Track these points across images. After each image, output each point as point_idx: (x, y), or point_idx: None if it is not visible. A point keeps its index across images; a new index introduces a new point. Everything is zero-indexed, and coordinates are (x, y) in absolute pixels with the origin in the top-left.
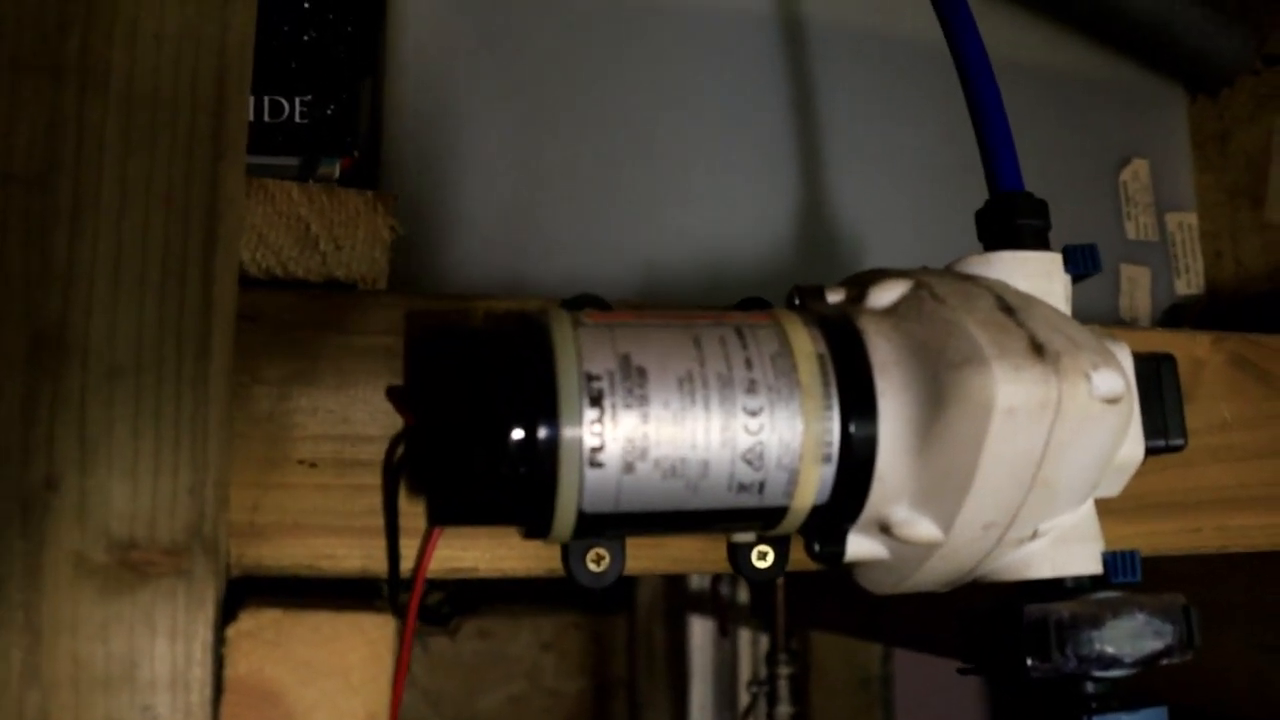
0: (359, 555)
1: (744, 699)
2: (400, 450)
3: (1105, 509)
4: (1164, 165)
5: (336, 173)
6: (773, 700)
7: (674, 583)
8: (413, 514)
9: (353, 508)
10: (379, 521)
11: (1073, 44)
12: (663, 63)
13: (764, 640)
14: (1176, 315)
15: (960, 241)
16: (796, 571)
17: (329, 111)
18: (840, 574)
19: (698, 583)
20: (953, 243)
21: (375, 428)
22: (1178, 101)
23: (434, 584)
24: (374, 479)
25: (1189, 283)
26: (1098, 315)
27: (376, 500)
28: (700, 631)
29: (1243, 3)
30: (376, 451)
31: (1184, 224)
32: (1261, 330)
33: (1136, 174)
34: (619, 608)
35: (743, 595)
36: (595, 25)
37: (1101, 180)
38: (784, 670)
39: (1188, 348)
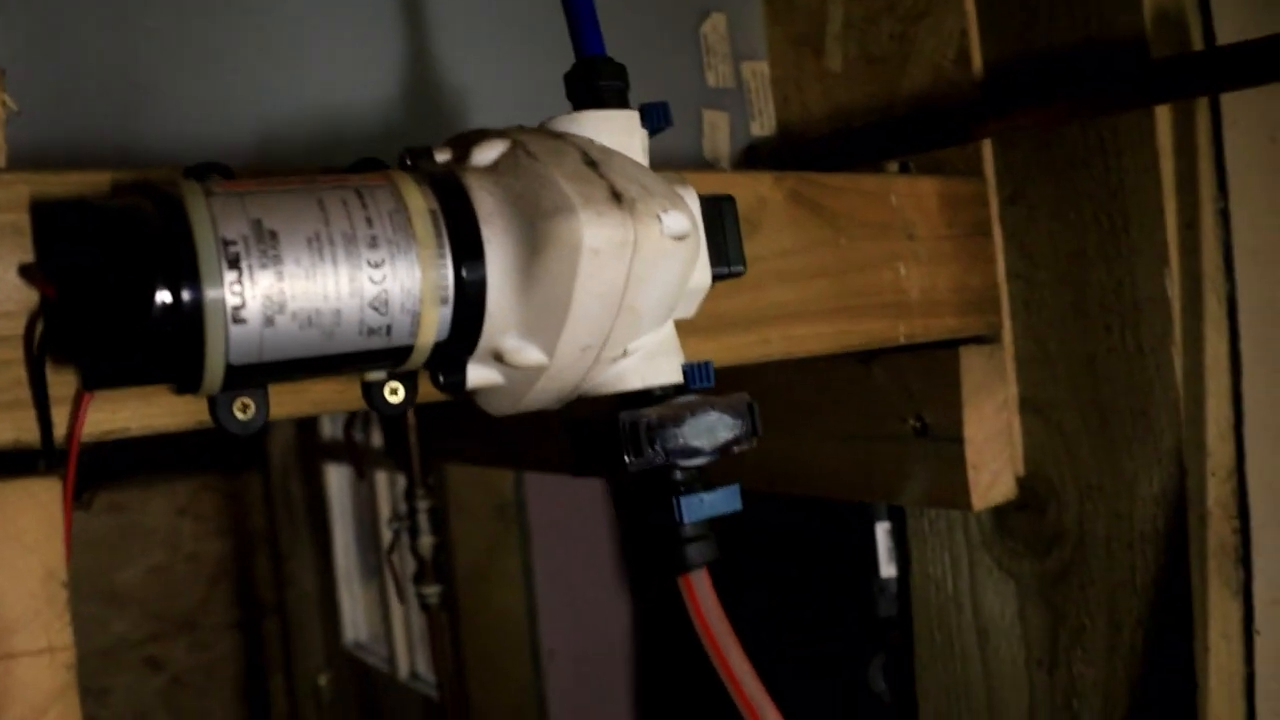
0: (10, 428)
1: (387, 536)
2: (41, 324)
3: (689, 328)
4: (739, 18)
5: None
6: (414, 533)
7: (306, 433)
8: (60, 383)
9: None
10: (27, 394)
11: None
12: None
13: (401, 480)
14: (752, 155)
15: (562, 101)
16: (429, 406)
17: None
18: (465, 402)
19: (330, 431)
20: (557, 102)
21: (10, 304)
22: None
23: None
24: (16, 353)
25: (762, 125)
26: (683, 156)
27: (21, 374)
28: (336, 478)
29: None
30: (14, 327)
31: (757, 72)
32: (824, 168)
33: (715, 26)
34: (251, 464)
35: (377, 439)
36: None
37: (684, 33)
38: (423, 504)
39: (753, 186)
